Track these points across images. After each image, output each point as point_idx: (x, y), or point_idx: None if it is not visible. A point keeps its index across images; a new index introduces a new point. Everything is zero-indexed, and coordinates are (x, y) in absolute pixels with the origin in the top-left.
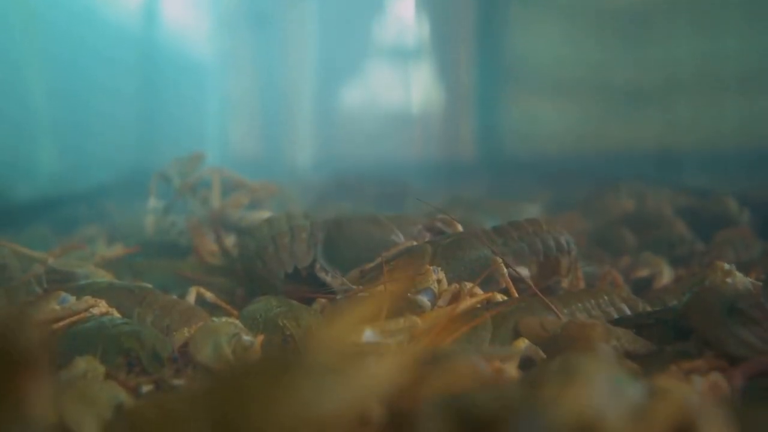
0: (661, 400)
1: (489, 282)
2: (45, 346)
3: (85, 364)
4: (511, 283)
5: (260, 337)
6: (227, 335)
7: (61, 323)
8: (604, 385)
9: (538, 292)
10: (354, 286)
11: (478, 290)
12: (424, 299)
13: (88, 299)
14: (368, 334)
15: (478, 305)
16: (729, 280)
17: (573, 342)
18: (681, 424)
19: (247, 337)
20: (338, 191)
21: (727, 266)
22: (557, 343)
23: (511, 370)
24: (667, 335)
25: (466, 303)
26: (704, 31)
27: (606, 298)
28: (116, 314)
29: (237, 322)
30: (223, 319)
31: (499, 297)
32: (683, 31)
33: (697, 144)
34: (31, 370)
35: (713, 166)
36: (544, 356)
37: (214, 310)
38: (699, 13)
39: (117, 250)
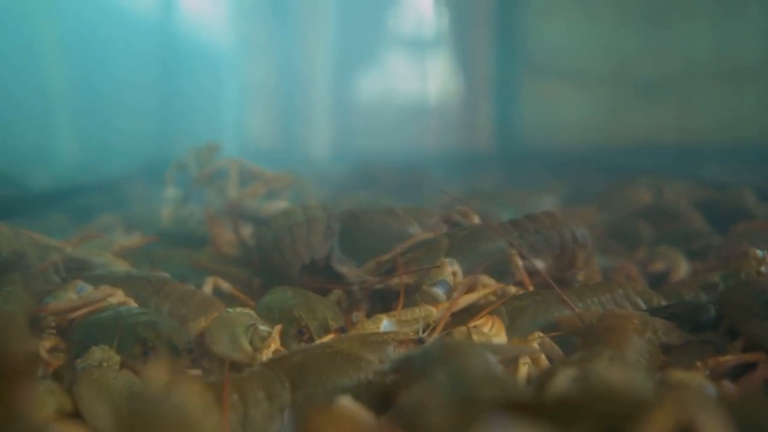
0: (661, 400)
1: (505, 274)
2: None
3: (100, 354)
4: (526, 276)
5: (278, 327)
6: (243, 326)
7: (78, 312)
8: None
9: (554, 285)
10: (370, 278)
11: (491, 281)
12: (439, 291)
13: (106, 288)
14: (386, 324)
15: (492, 297)
16: (763, 268)
17: (609, 333)
18: (683, 423)
19: (263, 327)
20: (359, 181)
21: (760, 253)
22: (593, 334)
23: (523, 368)
24: (682, 329)
25: (478, 294)
26: (722, 21)
27: (621, 291)
28: (133, 304)
29: (252, 312)
30: (238, 309)
31: (513, 289)
32: (702, 21)
33: (715, 135)
34: (19, 376)
35: (731, 157)
36: (561, 353)
37: (230, 300)
38: (716, 3)
39: (135, 239)
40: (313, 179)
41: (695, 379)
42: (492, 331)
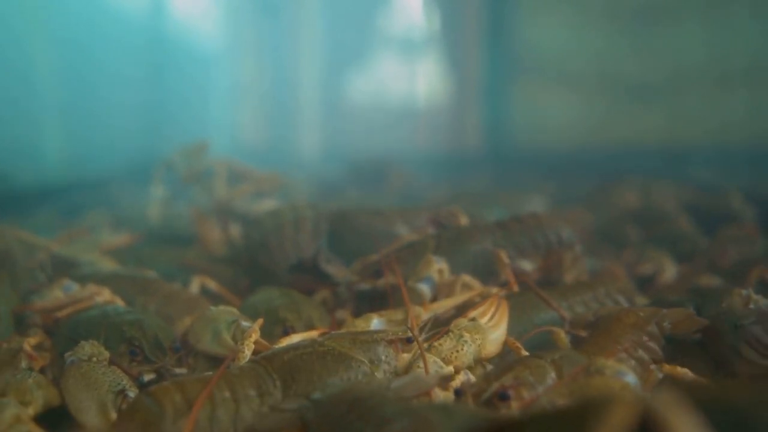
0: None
1: (491, 276)
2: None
3: (90, 348)
4: (512, 276)
5: (259, 321)
6: (226, 322)
7: (64, 311)
8: None
9: (533, 285)
10: (356, 278)
11: (475, 282)
12: (425, 287)
13: (92, 287)
14: (375, 323)
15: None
16: (752, 306)
17: (604, 328)
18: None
19: (245, 323)
20: (354, 179)
21: (744, 292)
22: (596, 329)
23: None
24: None
25: (463, 296)
26: (711, 25)
27: (602, 289)
28: (120, 302)
29: (234, 309)
30: (221, 306)
31: (496, 290)
32: (690, 25)
33: (703, 138)
34: None
35: (720, 160)
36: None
37: (217, 299)
38: (706, 7)
39: (122, 238)
40: (303, 179)
41: (613, 366)
42: (492, 321)
